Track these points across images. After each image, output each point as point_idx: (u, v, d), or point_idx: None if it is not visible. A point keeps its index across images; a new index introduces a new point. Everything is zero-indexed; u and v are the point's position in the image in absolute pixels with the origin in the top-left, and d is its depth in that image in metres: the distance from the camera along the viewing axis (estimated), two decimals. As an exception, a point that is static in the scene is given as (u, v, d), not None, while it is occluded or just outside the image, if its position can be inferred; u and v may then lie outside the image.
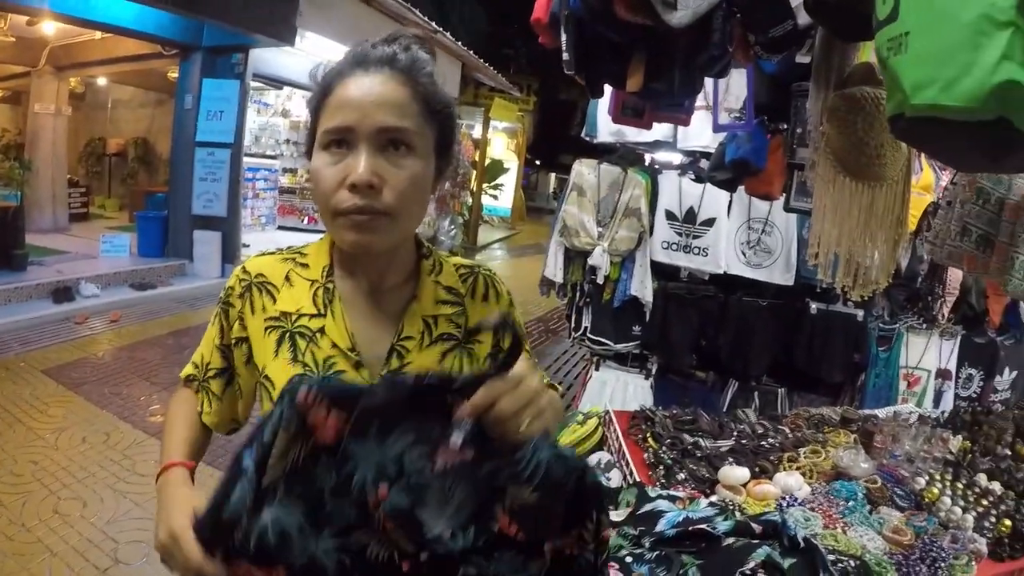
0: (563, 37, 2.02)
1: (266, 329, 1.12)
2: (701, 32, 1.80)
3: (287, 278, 1.14)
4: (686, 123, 2.74)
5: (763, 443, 2.39)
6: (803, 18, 1.83)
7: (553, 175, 36.31)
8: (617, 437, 2.30)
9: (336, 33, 9.64)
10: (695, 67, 1.96)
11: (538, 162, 32.93)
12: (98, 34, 9.73)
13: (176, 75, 10.33)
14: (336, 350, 1.08)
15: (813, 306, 3.91)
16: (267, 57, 9.68)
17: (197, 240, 9.42)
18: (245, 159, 10.04)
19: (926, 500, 2.02)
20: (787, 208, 2.81)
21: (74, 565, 3.07)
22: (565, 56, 2.04)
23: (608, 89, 2.41)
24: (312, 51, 10.19)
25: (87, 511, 3.52)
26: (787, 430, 2.54)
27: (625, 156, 4.15)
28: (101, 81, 14.09)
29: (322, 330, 1.09)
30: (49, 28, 9.21)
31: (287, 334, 1.10)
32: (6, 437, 4.29)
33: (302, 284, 1.13)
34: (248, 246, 10.03)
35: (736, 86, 2.84)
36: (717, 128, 2.90)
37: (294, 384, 0.86)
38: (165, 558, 0.95)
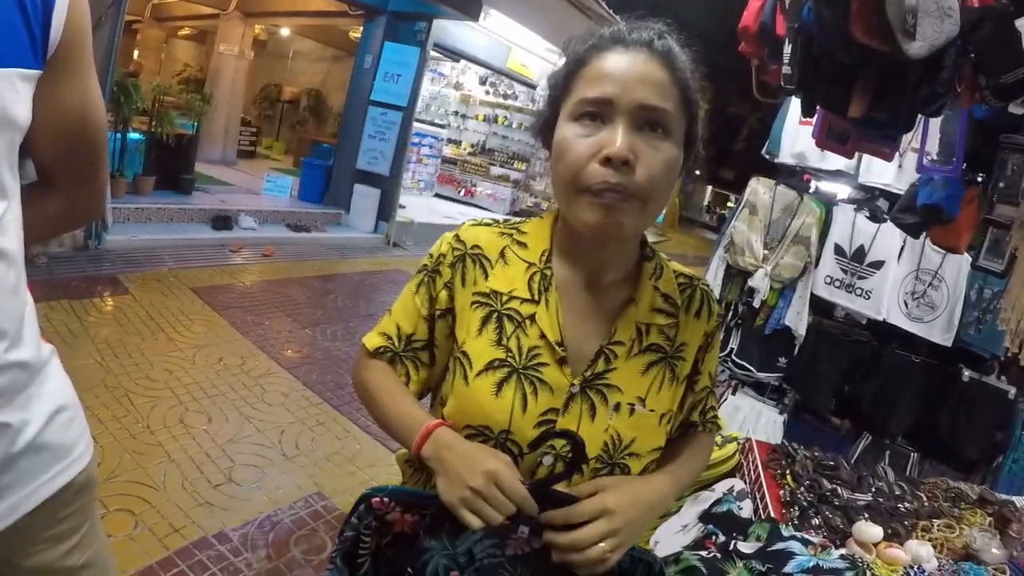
0: (786, 50, 1.96)
1: (473, 304, 1.08)
2: (932, 67, 1.71)
3: (502, 254, 1.10)
4: (889, 158, 2.60)
5: (900, 506, 2.29)
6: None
7: (710, 188, 35.73)
8: (756, 467, 2.25)
9: (520, 14, 9.78)
10: (917, 102, 1.86)
11: (698, 172, 32.47)
12: (288, -14, 10.15)
13: (358, 35, 10.78)
14: (543, 341, 1.03)
15: (966, 373, 3.66)
16: (449, 29, 9.93)
17: (356, 193, 9.78)
18: (414, 124, 10.32)
19: (1053, 603, 1.88)
20: (975, 266, 2.64)
21: (188, 474, 3.20)
22: (786, 70, 1.98)
23: (816, 110, 2.33)
24: (494, 28, 10.39)
25: (211, 427, 3.69)
26: (924, 497, 2.43)
27: (800, 181, 4.01)
28: (284, 31, 14.97)
29: (532, 317, 1.05)
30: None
31: (495, 314, 1.06)
32: (148, 343, 4.57)
33: (518, 264, 1.09)
34: (404, 207, 10.34)
35: (934, 127, 2.68)
36: (920, 168, 2.74)
37: (368, 492, 0.98)
38: (472, 504, 0.91)
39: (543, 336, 1.04)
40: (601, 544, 0.93)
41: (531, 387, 1.02)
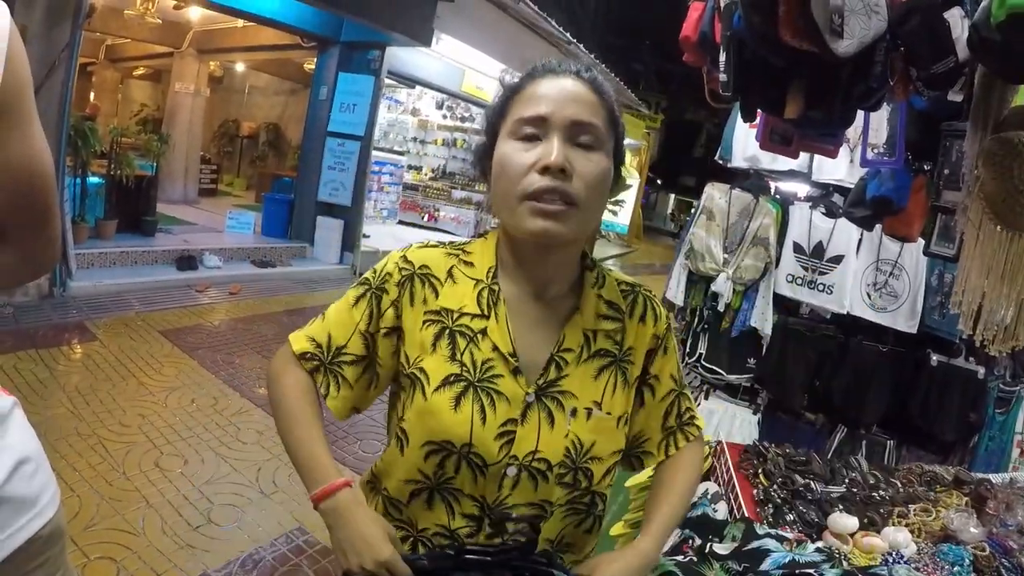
0: (721, 58, 2.00)
1: (425, 322, 1.11)
2: (862, 63, 1.75)
3: (450, 273, 1.14)
4: (833, 155, 2.66)
5: (874, 494, 2.30)
6: (962, 53, 1.76)
7: (672, 197, 36.00)
8: (728, 469, 2.26)
9: (472, 38, 9.85)
10: (852, 98, 1.91)
11: (659, 181, 32.71)
12: (240, 22, 10.21)
13: (312, 66, 10.80)
14: (496, 353, 1.08)
15: (934, 358, 3.71)
16: (402, 56, 9.95)
17: (320, 226, 9.77)
18: (373, 152, 10.32)
19: (1033, 576, 1.90)
20: (927, 252, 2.68)
21: (167, 518, 3.17)
22: (722, 77, 2.02)
23: (758, 114, 2.37)
24: (447, 53, 10.43)
25: (187, 469, 3.66)
26: (899, 484, 2.45)
27: (755, 183, 4.07)
28: (239, 67, 14.92)
29: (484, 331, 1.09)
30: (194, 13, 9.88)
31: (447, 331, 1.10)
32: (119, 388, 4.52)
33: (466, 282, 1.13)
34: (368, 236, 10.31)
35: (879, 121, 2.74)
36: (864, 163, 2.79)
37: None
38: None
39: (495, 348, 1.08)
40: None
41: (488, 399, 1.05)
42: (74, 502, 3.11)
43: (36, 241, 1.11)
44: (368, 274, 1.18)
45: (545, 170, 0.99)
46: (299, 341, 1.18)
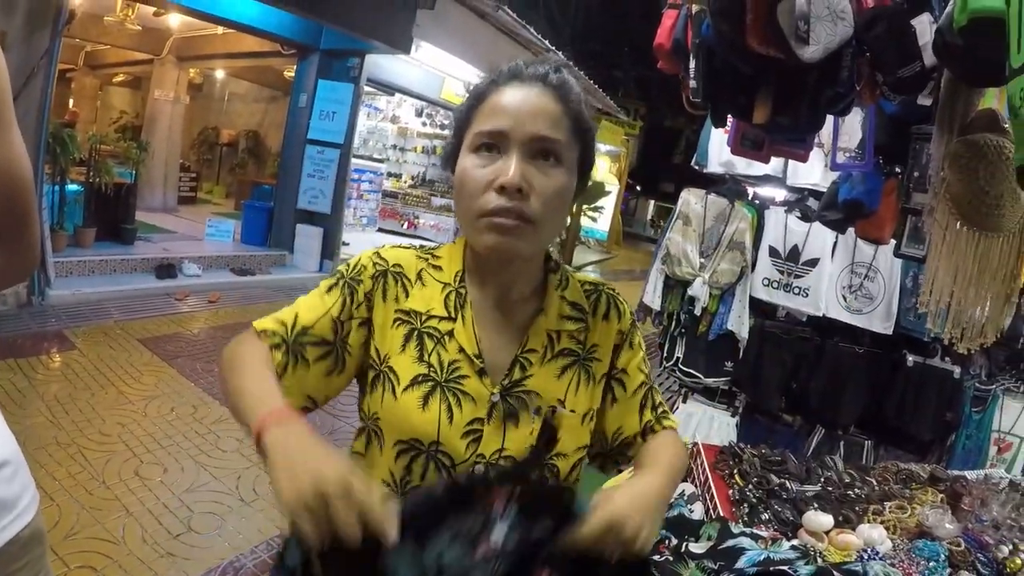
0: (691, 65, 2.03)
1: (395, 321, 1.12)
2: (829, 68, 1.79)
3: (419, 276, 1.15)
4: (804, 159, 2.70)
5: (849, 492, 2.33)
6: (929, 58, 1.81)
7: (652, 203, 36.09)
8: (704, 470, 2.28)
9: (451, 45, 9.85)
10: (820, 103, 1.94)
11: (639, 187, 32.81)
12: (220, 29, 10.19)
13: (292, 74, 10.76)
14: (462, 355, 1.09)
15: (910, 358, 3.77)
16: (382, 63, 9.96)
17: (299, 233, 9.74)
18: (352, 160, 10.33)
19: (1008, 570, 1.93)
20: (897, 254, 2.73)
21: (147, 527, 3.16)
22: (692, 84, 2.05)
23: (729, 119, 2.41)
24: (426, 61, 10.43)
25: (167, 477, 3.64)
26: (874, 482, 2.47)
27: (732, 188, 4.11)
28: (219, 74, 14.85)
29: (451, 333, 1.10)
30: (174, 20, 9.79)
31: (415, 332, 1.11)
32: (98, 397, 4.50)
33: (434, 285, 1.14)
34: (348, 244, 10.30)
35: (851, 125, 2.79)
36: (835, 167, 2.84)
37: None
38: (308, 511, 0.75)
39: (462, 350, 1.09)
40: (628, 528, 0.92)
41: (455, 399, 1.07)
42: (54, 511, 3.09)
43: (16, 245, 1.12)
44: (341, 267, 1.18)
45: (502, 189, 1.00)
46: (262, 322, 1.10)
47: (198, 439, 4.17)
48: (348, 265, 1.17)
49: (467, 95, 1.12)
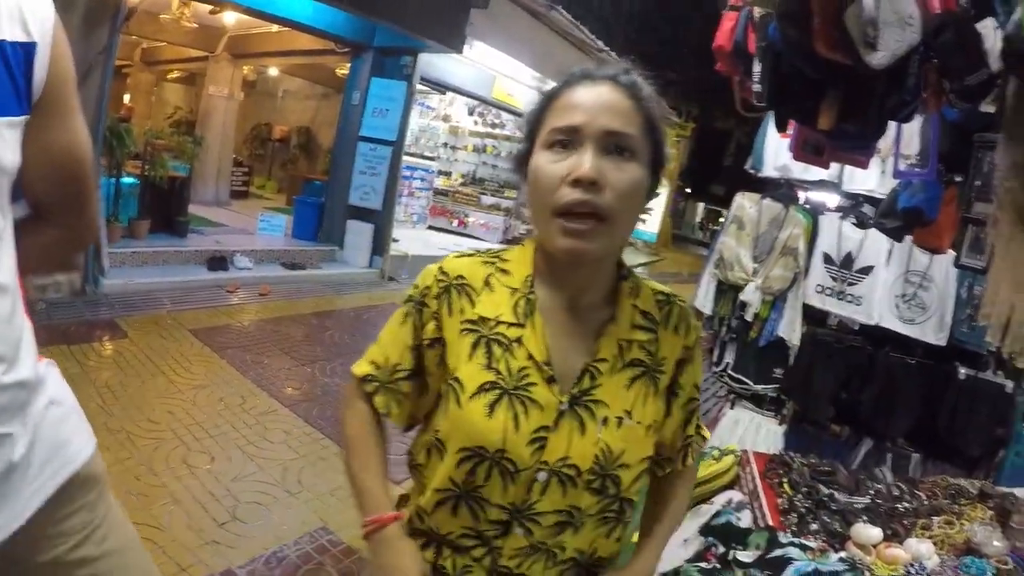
0: (756, 68, 2.02)
1: (462, 331, 1.13)
2: (896, 75, 1.77)
3: (487, 282, 1.16)
4: (864, 165, 2.67)
5: (898, 506, 2.31)
6: (995, 65, 1.77)
7: (701, 205, 35.77)
8: (753, 478, 2.27)
9: (504, 45, 9.88)
10: (886, 110, 1.92)
11: (689, 190, 32.53)
12: (274, 27, 10.32)
13: (345, 72, 10.89)
14: (531, 362, 1.09)
15: (962, 371, 3.67)
16: (435, 62, 10.02)
17: (350, 229, 9.83)
18: (404, 158, 10.37)
19: (1055, 591, 1.89)
20: (957, 264, 2.68)
21: (193, 514, 3.21)
22: (756, 88, 2.04)
23: (791, 124, 2.39)
24: (479, 60, 10.48)
25: (214, 466, 3.69)
26: (923, 496, 2.44)
27: (786, 193, 4.06)
28: (272, 71, 15.06)
29: (519, 340, 1.10)
30: (229, 18, 9.99)
31: (483, 339, 1.11)
32: (148, 385, 4.59)
33: (503, 291, 1.15)
34: (398, 240, 10.37)
35: (910, 131, 2.74)
36: (897, 174, 2.79)
37: None
38: None
39: (531, 357, 1.09)
40: None
41: (522, 406, 1.07)
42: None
43: (79, 221, 1.21)
44: (410, 290, 1.21)
45: (576, 182, 1.00)
46: (360, 366, 1.23)
47: (246, 429, 4.22)
48: (416, 287, 1.20)
49: (538, 98, 1.14)
